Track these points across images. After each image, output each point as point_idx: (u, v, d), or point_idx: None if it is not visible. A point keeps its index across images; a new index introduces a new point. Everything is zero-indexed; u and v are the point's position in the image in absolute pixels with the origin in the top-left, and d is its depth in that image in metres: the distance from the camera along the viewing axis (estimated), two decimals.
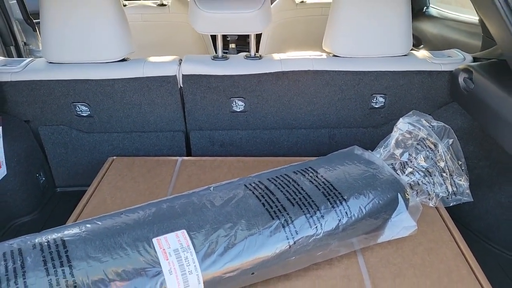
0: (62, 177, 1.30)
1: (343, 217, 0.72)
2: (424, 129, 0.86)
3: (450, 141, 0.86)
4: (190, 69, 1.14)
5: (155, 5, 2.13)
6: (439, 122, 0.87)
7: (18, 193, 1.18)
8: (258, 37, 2.12)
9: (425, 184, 0.86)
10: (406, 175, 0.86)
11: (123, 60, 1.17)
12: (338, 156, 0.88)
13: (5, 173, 1.12)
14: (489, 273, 0.74)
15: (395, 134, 0.87)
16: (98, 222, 0.67)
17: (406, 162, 0.86)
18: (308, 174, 0.80)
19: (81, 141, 1.24)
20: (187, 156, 1.23)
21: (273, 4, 2.09)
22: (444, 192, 0.87)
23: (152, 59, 1.18)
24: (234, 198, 0.73)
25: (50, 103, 1.17)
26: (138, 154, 1.25)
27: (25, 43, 1.99)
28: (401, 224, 0.78)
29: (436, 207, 0.90)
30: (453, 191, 0.88)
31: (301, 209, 0.71)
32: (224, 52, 1.21)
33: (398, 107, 1.20)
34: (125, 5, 2.13)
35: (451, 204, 0.87)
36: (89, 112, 1.19)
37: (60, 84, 1.14)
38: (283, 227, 0.68)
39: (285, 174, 0.80)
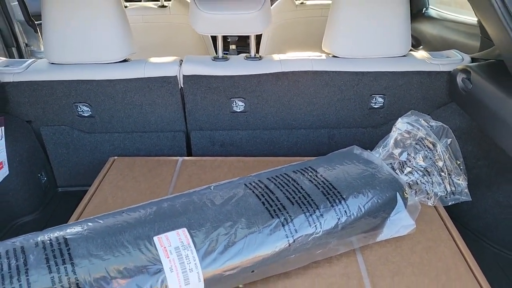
0: (64, 177, 1.31)
1: (342, 216, 0.73)
2: (422, 129, 0.87)
3: (449, 140, 0.87)
4: (191, 69, 1.15)
5: (156, 7, 2.14)
6: (437, 122, 0.87)
7: (20, 193, 1.19)
8: (258, 38, 2.13)
9: (423, 183, 0.87)
10: (405, 174, 0.86)
11: (124, 60, 1.18)
12: (337, 155, 0.88)
13: (7, 173, 1.13)
14: (488, 272, 0.74)
15: (394, 134, 0.88)
16: (100, 221, 0.68)
17: (405, 161, 0.87)
18: (308, 174, 0.80)
19: (82, 141, 1.25)
20: (187, 156, 1.23)
21: (273, 6, 2.10)
22: (443, 192, 0.87)
23: (153, 59, 1.19)
24: (234, 197, 0.73)
25: (52, 104, 1.18)
26: (139, 154, 1.26)
27: (26, 44, 2.01)
28: (400, 223, 0.79)
29: (434, 206, 0.90)
30: (451, 190, 0.88)
31: (301, 208, 0.71)
32: (224, 53, 1.22)
33: (397, 107, 1.21)
34: (126, 7, 2.15)
35: (449, 203, 0.87)
36: (90, 113, 1.20)
37: (61, 85, 1.15)
38: (283, 225, 0.69)
39: (285, 174, 0.80)
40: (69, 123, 1.22)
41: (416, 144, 0.87)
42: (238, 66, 1.17)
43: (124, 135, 1.24)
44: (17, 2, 1.96)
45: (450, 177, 0.88)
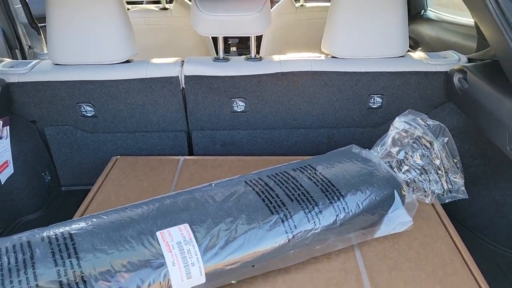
0: (67, 176, 1.32)
1: (341, 212, 0.74)
2: (420, 128, 0.88)
3: (445, 139, 0.88)
4: (192, 70, 1.17)
5: (157, 9, 2.17)
6: (434, 120, 0.88)
7: (25, 192, 1.21)
8: (259, 39, 2.14)
9: (421, 181, 0.88)
10: (403, 172, 0.87)
11: (127, 61, 1.20)
12: (336, 154, 0.90)
13: (12, 171, 1.15)
14: (484, 268, 0.75)
15: (392, 133, 0.89)
16: (104, 217, 0.70)
17: (402, 160, 0.88)
18: (307, 171, 0.82)
19: (85, 141, 1.27)
20: (189, 155, 1.25)
21: (273, 8, 2.12)
22: (440, 189, 0.88)
23: (155, 60, 1.21)
24: (235, 194, 0.75)
25: (56, 104, 1.20)
26: (141, 153, 1.28)
27: (29, 46, 2.02)
28: (397, 220, 0.80)
29: (432, 204, 0.92)
30: (448, 188, 0.89)
31: (300, 204, 0.73)
32: (225, 55, 1.24)
33: (395, 107, 1.23)
34: (128, 9, 2.17)
35: (446, 201, 0.88)
36: (93, 113, 1.22)
37: (65, 85, 1.16)
38: (282, 221, 0.70)
39: (285, 171, 0.82)
40: (73, 123, 1.24)
41: (414, 142, 0.88)
42: (238, 67, 1.18)
43: (126, 134, 1.26)
44: (20, 5, 1.98)
45: (447, 175, 0.89)
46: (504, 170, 1.07)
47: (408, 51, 1.23)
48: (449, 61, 1.19)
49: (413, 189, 0.88)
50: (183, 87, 1.19)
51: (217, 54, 1.24)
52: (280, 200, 0.73)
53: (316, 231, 0.72)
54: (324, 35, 1.21)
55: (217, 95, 1.19)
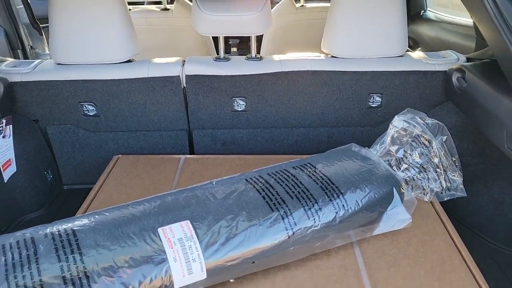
0: (69, 175, 1.33)
1: (340, 209, 0.75)
2: (418, 126, 0.89)
3: (444, 138, 0.89)
4: (193, 69, 1.18)
5: (158, 10, 2.18)
6: (433, 119, 0.89)
7: (27, 190, 1.22)
8: (259, 39, 2.15)
9: (420, 179, 0.89)
10: (402, 170, 0.88)
11: (129, 61, 1.21)
12: (336, 152, 0.91)
13: (15, 170, 1.16)
14: (482, 265, 0.76)
15: (391, 131, 0.90)
16: (106, 214, 0.70)
17: (401, 158, 0.89)
18: (307, 169, 0.83)
19: (87, 140, 1.27)
20: (190, 154, 1.26)
21: (273, 9, 2.12)
22: (439, 187, 0.89)
23: (157, 60, 1.22)
24: (235, 191, 0.76)
25: (58, 103, 1.21)
26: (142, 152, 1.29)
27: (31, 46, 2.04)
28: (396, 217, 0.81)
29: (430, 202, 0.92)
30: (447, 186, 0.90)
31: (300, 201, 0.74)
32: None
33: (394, 106, 1.23)
34: (129, 10, 2.18)
35: (445, 199, 0.89)
36: (95, 112, 1.23)
37: (67, 85, 1.17)
38: (282, 218, 0.71)
39: (285, 169, 0.83)
40: (75, 122, 1.25)
41: (413, 141, 0.89)
42: (239, 66, 1.19)
43: (128, 133, 1.27)
44: (22, 5, 1.99)
45: (446, 173, 0.89)
46: (502, 168, 1.08)
47: (408, 51, 1.24)
48: (448, 61, 1.20)
49: (412, 187, 0.89)
50: (184, 87, 1.20)
51: (217, 54, 1.25)
52: (280, 198, 0.74)
53: (316, 228, 0.73)
54: (324, 35, 1.22)
55: (218, 94, 1.20)
